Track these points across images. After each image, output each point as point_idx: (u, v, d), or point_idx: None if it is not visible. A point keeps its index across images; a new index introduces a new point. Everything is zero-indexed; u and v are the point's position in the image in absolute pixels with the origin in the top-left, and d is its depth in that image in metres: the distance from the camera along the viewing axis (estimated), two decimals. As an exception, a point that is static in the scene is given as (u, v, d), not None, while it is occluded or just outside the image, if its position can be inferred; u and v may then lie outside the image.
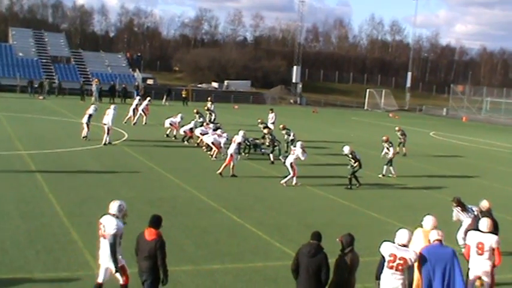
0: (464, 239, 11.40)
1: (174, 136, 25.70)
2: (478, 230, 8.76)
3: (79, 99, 44.21)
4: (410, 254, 7.38)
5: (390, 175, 20.11)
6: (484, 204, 11.34)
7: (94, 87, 45.26)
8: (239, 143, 18.85)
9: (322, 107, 61.75)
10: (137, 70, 57.60)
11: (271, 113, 30.19)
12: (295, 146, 18.29)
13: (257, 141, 23.48)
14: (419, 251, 7.63)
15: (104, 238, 7.69)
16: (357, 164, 17.50)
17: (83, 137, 23.23)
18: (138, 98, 33.69)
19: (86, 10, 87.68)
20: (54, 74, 51.81)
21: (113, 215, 7.73)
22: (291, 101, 64.03)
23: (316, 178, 18.76)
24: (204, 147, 22.73)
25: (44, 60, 53.95)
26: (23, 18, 79.87)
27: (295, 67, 68.20)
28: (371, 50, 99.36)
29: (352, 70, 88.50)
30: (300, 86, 67.17)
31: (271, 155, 21.42)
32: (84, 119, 23.32)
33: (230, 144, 18.98)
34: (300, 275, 7.29)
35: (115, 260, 7.59)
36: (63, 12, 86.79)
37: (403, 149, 25.58)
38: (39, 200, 13.59)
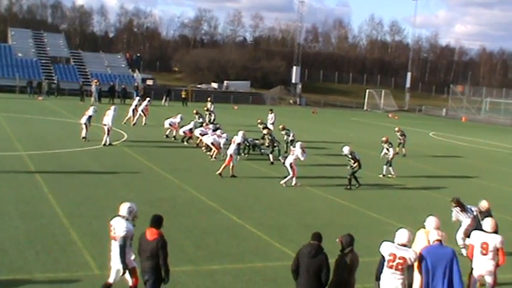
0: (463, 239, 11.44)
1: (174, 137, 25.70)
2: (481, 230, 8.76)
3: (78, 99, 44.20)
4: (410, 254, 7.39)
5: (390, 175, 20.13)
6: (484, 204, 11.34)
7: (93, 88, 45.19)
8: (239, 144, 18.86)
9: (322, 107, 61.77)
10: (137, 71, 57.57)
11: (271, 113, 30.18)
12: (294, 147, 18.29)
13: (257, 141, 23.46)
14: (419, 251, 7.64)
15: (115, 240, 7.74)
16: (356, 164, 17.51)
17: (83, 138, 23.22)
18: (137, 98, 33.67)
19: (85, 10, 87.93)
20: (53, 74, 51.79)
21: (123, 217, 7.77)
22: (291, 101, 64.00)
23: (315, 178, 18.77)
24: (203, 148, 22.73)
25: (43, 61, 53.95)
26: (22, 18, 79.90)
27: (294, 67, 68.19)
28: (370, 51, 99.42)
29: (352, 70, 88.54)
30: (300, 86, 67.18)
31: (270, 156, 21.42)
32: (83, 120, 23.34)
33: (230, 144, 19.00)
34: (300, 275, 7.30)
35: (123, 261, 7.65)
36: (63, 13, 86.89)
37: (403, 149, 25.58)
38: (38, 200, 13.58)
